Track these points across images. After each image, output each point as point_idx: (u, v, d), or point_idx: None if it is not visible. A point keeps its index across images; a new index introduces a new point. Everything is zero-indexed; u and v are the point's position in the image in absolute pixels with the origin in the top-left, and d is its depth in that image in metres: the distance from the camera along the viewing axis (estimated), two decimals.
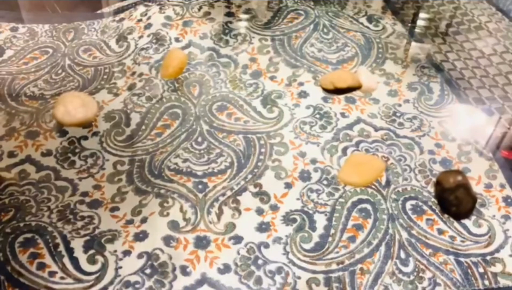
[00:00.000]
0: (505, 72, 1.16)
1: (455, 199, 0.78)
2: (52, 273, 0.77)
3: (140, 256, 0.80)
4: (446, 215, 0.87)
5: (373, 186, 0.91)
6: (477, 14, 1.33)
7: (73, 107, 0.92)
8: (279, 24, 1.29)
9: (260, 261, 0.80)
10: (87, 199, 0.88)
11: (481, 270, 0.81)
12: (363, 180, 0.91)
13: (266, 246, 0.82)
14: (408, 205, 0.89)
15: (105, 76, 1.14)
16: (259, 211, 0.87)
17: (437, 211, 0.88)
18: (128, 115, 1.04)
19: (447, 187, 0.79)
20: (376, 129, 1.03)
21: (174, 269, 0.79)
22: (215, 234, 0.84)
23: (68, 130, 1.00)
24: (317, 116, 1.05)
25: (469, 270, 0.81)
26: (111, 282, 0.76)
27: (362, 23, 1.31)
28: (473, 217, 0.88)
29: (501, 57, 1.20)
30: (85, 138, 0.99)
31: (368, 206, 0.88)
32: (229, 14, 1.31)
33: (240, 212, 0.87)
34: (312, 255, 0.81)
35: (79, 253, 0.80)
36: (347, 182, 0.90)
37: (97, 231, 0.83)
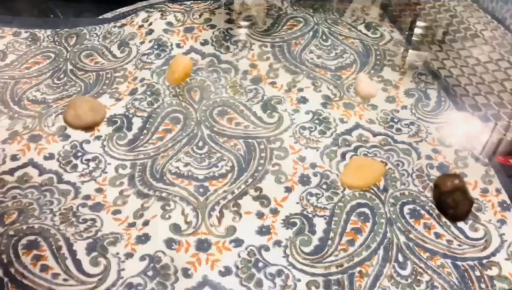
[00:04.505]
0: (501, 79, 1.18)
1: (452, 202, 0.79)
2: (55, 275, 0.78)
3: (142, 258, 0.81)
4: (443, 220, 0.89)
5: (372, 191, 0.93)
6: (473, 22, 1.35)
7: (83, 111, 0.96)
8: (279, 31, 1.31)
9: (260, 264, 0.81)
10: (90, 202, 0.89)
11: (477, 273, 0.82)
12: (365, 182, 0.93)
13: (267, 249, 0.84)
14: (406, 209, 0.91)
15: (107, 81, 1.15)
16: (260, 215, 0.89)
17: (434, 215, 0.90)
18: (130, 119, 1.06)
19: (445, 190, 0.80)
20: (374, 135, 1.04)
21: (176, 271, 0.80)
22: (216, 237, 0.85)
23: (71, 134, 1.02)
24: (316, 121, 1.07)
25: (466, 274, 0.82)
26: (114, 284, 0.77)
27: (360, 31, 1.34)
28: (469, 222, 0.89)
29: (496, 65, 1.22)
30: (87, 142, 1.00)
31: (367, 210, 0.90)
32: (229, 21, 1.33)
33: (240, 216, 0.88)
34: (311, 258, 0.83)
35: (82, 256, 0.81)
36: (349, 185, 0.92)
37: (99, 233, 0.84)
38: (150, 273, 0.79)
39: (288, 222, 0.88)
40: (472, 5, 1.43)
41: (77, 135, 1.01)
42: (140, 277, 0.79)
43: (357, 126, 1.06)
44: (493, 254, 0.85)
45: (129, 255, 0.81)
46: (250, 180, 0.94)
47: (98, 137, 1.01)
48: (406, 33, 1.35)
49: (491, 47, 1.27)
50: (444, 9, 1.42)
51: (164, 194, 0.91)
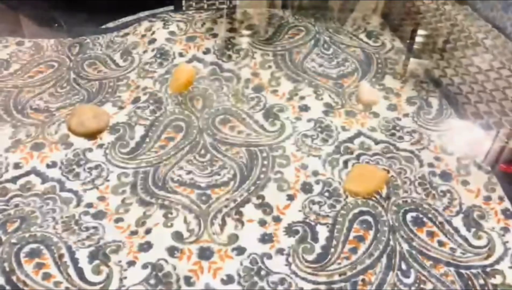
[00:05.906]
0: (502, 87, 1.18)
1: None
2: (57, 283, 0.78)
3: (144, 266, 0.81)
4: (446, 227, 0.89)
5: (374, 198, 0.93)
6: (474, 31, 1.36)
7: (87, 118, 0.97)
8: (281, 40, 1.32)
9: (263, 272, 0.81)
10: (92, 210, 0.89)
11: (481, 281, 0.82)
12: (367, 190, 0.93)
13: (269, 257, 0.83)
14: (409, 217, 0.90)
15: (110, 90, 1.16)
16: (262, 223, 0.88)
17: (437, 223, 0.89)
18: (132, 127, 1.06)
19: None
20: (376, 142, 1.04)
21: (178, 279, 0.79)
22: (218, 245, 0.85)
23: (73, 142, 1.02)
24: (318, 129, 1.07)
25: (469, 282, 0.81)
26: None
27: (361, 39, 1.34)
28: (473, 229, 0.89)
29: (498, 73, 1.22)
30: (90, 150, 1.01)
31: (369, 218, 0.90)
32: (231, 30, 1.34)
33: (243, 224, 0.88)
34: (314, 266, 0.82)
35: (84, 264, 0.81)
36: (352, 191, 0.93)
37: (101, 242, 0.84)
38: (152, 281, 0.79)
39: (290, 230, 0.87)
40: (472, 14, 1.44)
41: (80, 144, 1.02)
42: (142, 285, 0.78)
43: (359, 134, 1.06)
44: (497, 262, 0.84)
45: (131, 263, 0.81)
46: (252, 188, 0.94)
47: (100, 146, 1.01)
48: (407, 41, 1.36)
49: (492, 56, 1.28)
50: (444, 18, 1.43)
51: (166, 202, 0.91)
